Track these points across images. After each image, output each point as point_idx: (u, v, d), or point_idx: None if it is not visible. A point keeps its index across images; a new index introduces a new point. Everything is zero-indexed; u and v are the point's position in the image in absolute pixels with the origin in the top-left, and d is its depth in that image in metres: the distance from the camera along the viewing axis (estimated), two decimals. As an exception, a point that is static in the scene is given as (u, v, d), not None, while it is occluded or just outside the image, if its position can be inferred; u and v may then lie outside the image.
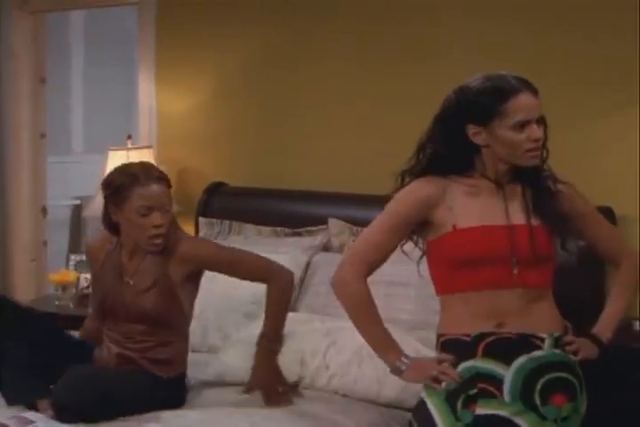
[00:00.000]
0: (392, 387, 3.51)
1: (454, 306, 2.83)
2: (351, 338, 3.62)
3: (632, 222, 4.13)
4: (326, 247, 4.54)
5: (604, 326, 2.97)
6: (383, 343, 2.89)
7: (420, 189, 2.85)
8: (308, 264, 4.39)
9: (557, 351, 2.78)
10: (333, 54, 4.87)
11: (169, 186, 3.56)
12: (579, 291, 3.78)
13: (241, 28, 5.12)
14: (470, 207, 2.81)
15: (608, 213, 3.98)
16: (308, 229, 4.67)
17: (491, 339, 2.76)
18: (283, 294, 3.69)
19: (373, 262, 2.88)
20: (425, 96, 4.35)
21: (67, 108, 7.63)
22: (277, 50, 5.04)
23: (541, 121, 2.76)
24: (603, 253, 3.02)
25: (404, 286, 3.88)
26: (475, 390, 2.74)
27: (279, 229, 4.72)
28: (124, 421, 3.30)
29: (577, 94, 4.23)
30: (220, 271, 3.68)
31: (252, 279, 3.72)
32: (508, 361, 2.74)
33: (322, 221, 4.62)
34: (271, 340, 3.64)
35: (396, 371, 2.86)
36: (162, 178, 3.54)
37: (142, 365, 3.55)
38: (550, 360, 2.76)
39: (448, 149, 2.82)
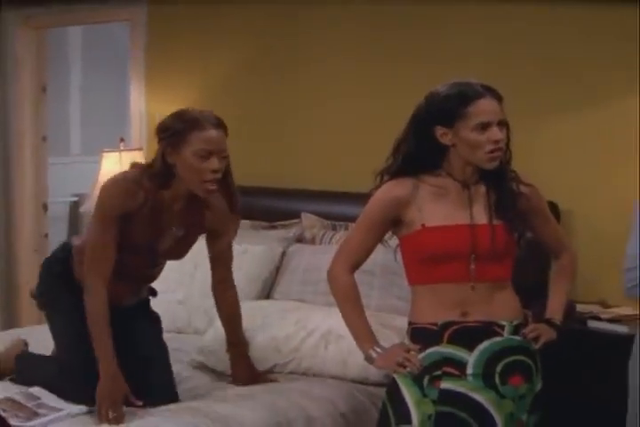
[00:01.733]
0: (356, 365, 3.54)
1: (423, 296, 2.86)
2: (318, 324, 3.74)
3: (575, 217, 4.15)
4: (299, 239, 4.55)
5: (555, 311, 3.03)
6: (362, 333, 2.94)
7: (390, 190, 2.87)
8: (283, 254, 4.40)
9: (516, 337, 2.83)
10: (306, 60, 4.87)
11: (226, 132, 3.25)
12: (526, 278, 3.81)
13: (225, 39, 5.12)
14: (438, 207, 2.83)
15: (553, 207, 3.99)
16: (283, 222, 4.68)
17: (456, 327, 2.80)
18: (238, 305, 3.62)
19: (357, 259, 2.96)
20: (402, 97, 4.29)
21: (65, 114, 7.58)
22: (255, 60, 5.03)
23: (503, 124, 2.78)
24: (547, 247, 3.07)
25: (370, 275, 3.89)
26: (439, 372, 2.78)
27: (257, 222, 4.71)
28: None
29: (528, 94, 4.19)
30: (214, 239, 3.49)
31: (218, 270, 3.57)
32: (470, 347, 2.79)
33: (295, 215, 4.64)
34: (238, 344, 3.60)
35: (369, 359, 2.91)
36: (220, 124, 3.24)
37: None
38: (510, 345, 2.81)
39: (419, 149, 2.83)
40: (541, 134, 4.22)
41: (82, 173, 6.22)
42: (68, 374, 3.29)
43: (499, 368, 2.76)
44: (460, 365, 2.77)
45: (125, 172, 3.35)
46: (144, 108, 5.42)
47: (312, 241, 4.49)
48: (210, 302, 4.16)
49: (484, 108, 2.74)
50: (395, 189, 2.86)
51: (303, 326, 3.73)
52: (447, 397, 2.75)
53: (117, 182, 3.27)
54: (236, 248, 4.32)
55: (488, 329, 2.80)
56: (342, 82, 4.78)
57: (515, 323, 2.83)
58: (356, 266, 2.96)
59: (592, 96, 4.15)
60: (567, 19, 4.20)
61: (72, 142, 7.78)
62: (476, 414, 2.75)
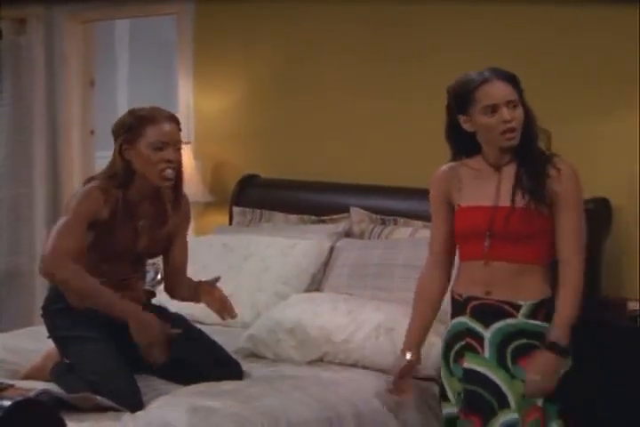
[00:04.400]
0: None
1: (461, 271, 3.02)
2: (370, 316, 3.74)
3: (626, 212, 4.08)
4: (348, 233, 4.53)
5: (559, 332, 2.85)
6: (406, 334, 3.15)
7: (437, 176, 3.06)
8: (331, 249, 4.40)
9: (531, 321, 2.87)
10: (355, 52, 4.85)
11: (179, 126, 3.44)
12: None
13: (269, 35, 5.13)
14: (472, 189, 2.96)
15: (604, 204, 3.99)
16: (332, 217, 4.67)
17: (476, 302, 2.92)
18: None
19: (437, 246, 3.08)
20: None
21: (113, 108, 7.60)
22: (300, 54, 5.04)
23: (515, 104, 2.84)
24: (558, 243, 2.89)
25: (418, 269, 3.84)
26: (463, 343, 2.94)
27: (305, 216, 4.73)
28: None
29: (578, 90, 4.16)
30: (173, 240, 3.60)
31: (173, 264, 3.64)
32: (487, 324, 2.90)
33: (344, 209, 4.62)
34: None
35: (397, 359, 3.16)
36: (173, 118, 3.42)
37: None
38: (522, 328, 2.87)
39: (457, 137, 2.98)
40: (594, 130, 4.17)
41: (129, 166, 6.25)
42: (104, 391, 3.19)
43: (509, 349, 2.86)
44: (479, 338, 2.90)
45: (89, 184, 3.41)
46: (192, 101, 5.43)
47: (361, 236, 4.47)
48: (258, 295, 4.21)
49: (489, 91, 2.84)
50: (440, 174, 3.05)
51: (354, 319, 3.73)
52: (470, 376, 2.91)
53: (89, 192, 3.37)
54: (285, 242, 4.39)
55: (502, 309, 2.87)
56: (386, 77, 4.74)
57: (530, 302, 2.86)
58: (439, 254, 3.07)
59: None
60: (569, 19, 4.19)
61: (119, 136, 7.84)
62: (494, 393, 2.86)
